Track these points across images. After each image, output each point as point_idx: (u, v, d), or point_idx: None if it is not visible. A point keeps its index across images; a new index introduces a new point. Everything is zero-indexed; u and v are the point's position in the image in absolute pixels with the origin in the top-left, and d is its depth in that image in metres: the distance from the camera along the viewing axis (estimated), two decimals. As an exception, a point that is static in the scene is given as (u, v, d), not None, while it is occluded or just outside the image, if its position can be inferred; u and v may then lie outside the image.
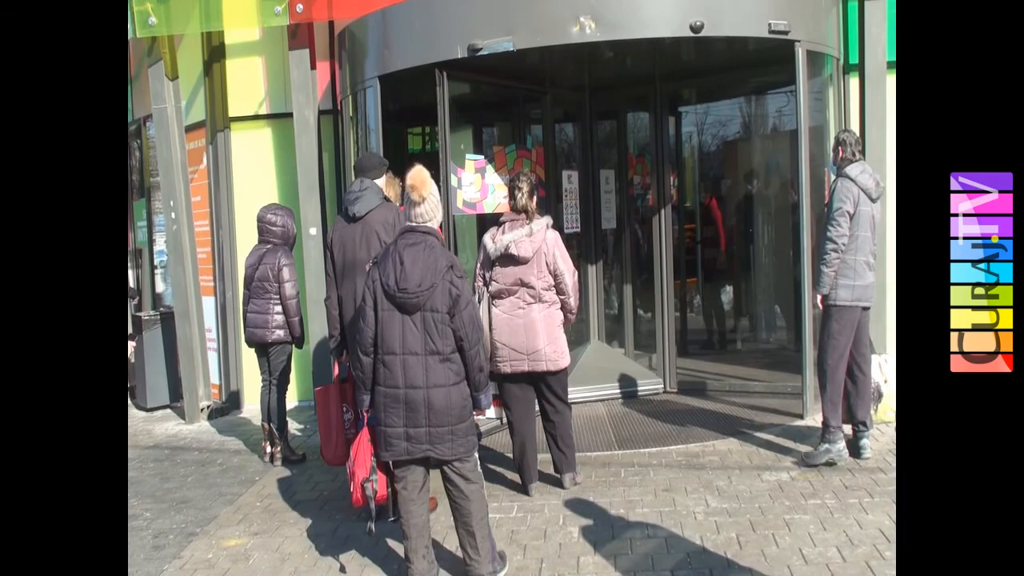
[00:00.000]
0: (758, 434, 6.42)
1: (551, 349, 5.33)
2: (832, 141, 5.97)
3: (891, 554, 4.24)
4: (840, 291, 5.65)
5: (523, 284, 5.31)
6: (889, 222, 6.60)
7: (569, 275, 5.36)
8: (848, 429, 5.82)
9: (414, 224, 4.14)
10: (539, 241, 5.28)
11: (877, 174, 5.82)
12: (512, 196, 5.39)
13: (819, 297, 5.78)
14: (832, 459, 5.64)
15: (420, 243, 4.07)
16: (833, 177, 5.86)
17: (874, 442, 5.83)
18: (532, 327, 5.31)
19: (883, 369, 6.39)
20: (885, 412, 6.38)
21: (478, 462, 4.26)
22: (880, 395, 6.34)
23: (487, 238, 5.42)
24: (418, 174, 4.19)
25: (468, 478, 4.16)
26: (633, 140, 8.97)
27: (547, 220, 5.39)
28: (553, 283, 5.35)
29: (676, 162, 9.38)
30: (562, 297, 5.40)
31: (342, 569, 4.62)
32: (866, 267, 5.69)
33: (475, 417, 4.23)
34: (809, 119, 6.58)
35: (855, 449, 5.76)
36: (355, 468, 4.22)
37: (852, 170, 5.65)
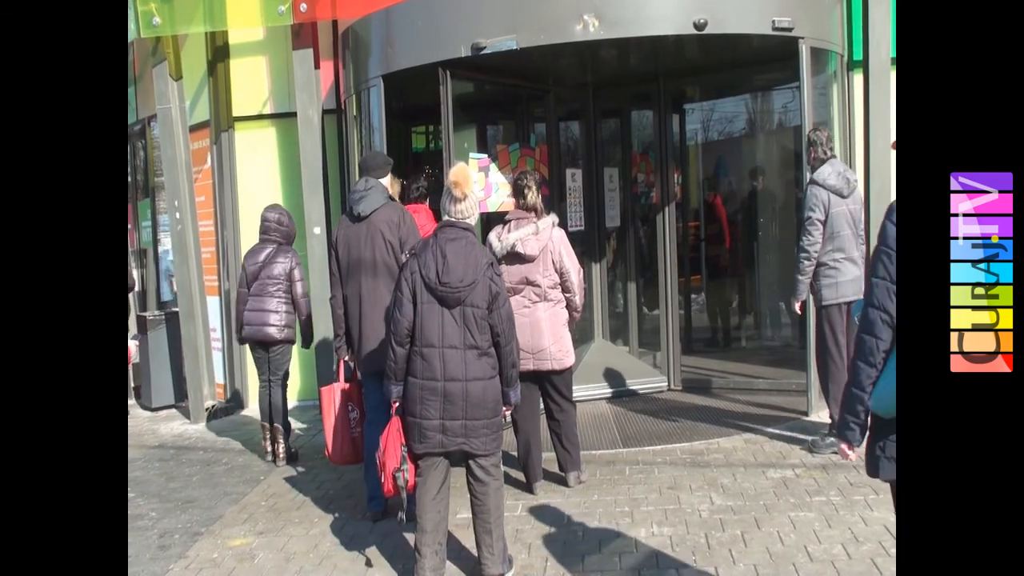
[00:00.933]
0: (763, 431, 6.41)
1: (556, 348, 5.33)
2: (804, 141, 6.04)
3: (896, 551, 4.24)
4: (824, 291, 5.82)
5: (529, 282, 5.31)
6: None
7: (575, 273, 5.37)
8: None
9: (454, 220, 4.17)
10: (545, 239, 5.28)
11: (849, 170, 5.95)
12: (523, 195, 5.37)
13: (797, 304, 5.98)
14: (837, 451, 5.73)
15: (461, 239, 4.12)
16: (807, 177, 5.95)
17: None
18: (537, 326, 5.31)
19: None
20: None
21: (501, 459, 4.30)
22: None
23: (492, 236, 5.41)
24: (461, 171, 4.24)
25: (492, 474, 4.21)
26: (637, 138, 8.96)
27: (553, 218, 5.39)
28: (559, 281, 5.35)
29: (680, 160, 9.37)
30: (567, 295, 5.40)
31: (368, 563, 4.64)
32: (848, 263, 5.84)
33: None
34: (813, 116, 6.57)
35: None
36: (385, 458, 4.23)
37: (820, 174, 5.77)
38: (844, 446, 2.89)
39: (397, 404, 4.23)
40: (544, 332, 5.31)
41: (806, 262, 5.76)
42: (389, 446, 4.23)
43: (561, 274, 5.32)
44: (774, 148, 9.51)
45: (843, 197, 5.75)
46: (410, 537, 4.54)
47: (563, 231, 5.42)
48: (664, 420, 6.95)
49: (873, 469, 2.75)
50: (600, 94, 8.39)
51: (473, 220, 4.24)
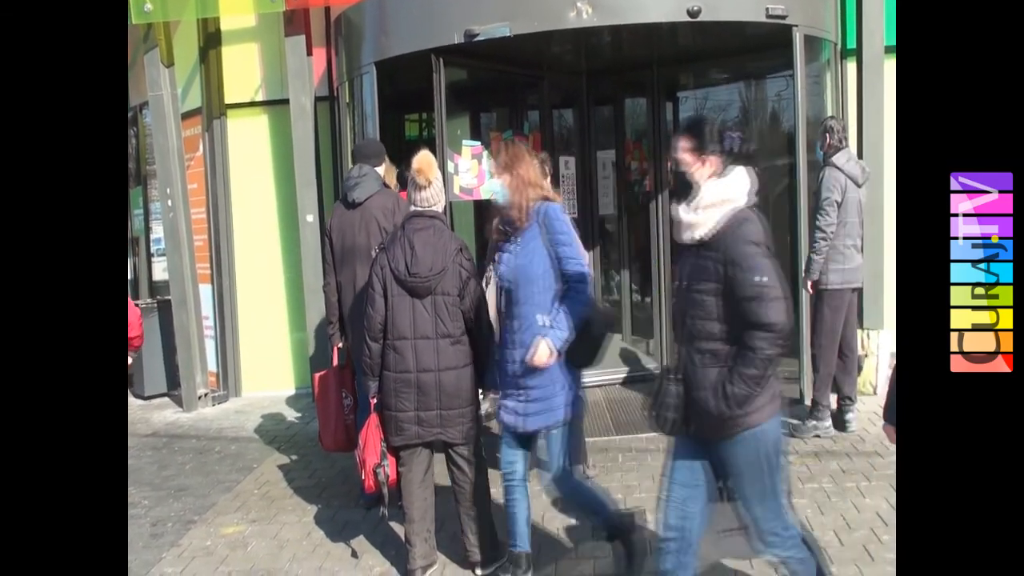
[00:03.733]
0: (755, 419, 6.41)
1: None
2: (819, 127, 6.06)
3: (888, 538, 4.27)
4: (831, 275, 5.89)
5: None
6: (889, 219, 6.66)
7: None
8: (833, 402, 6.09)
9: (421, 208, 4.15)
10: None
11: (862, 161, 6.06)
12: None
13: (809, 283, 6.02)
14: (819, 434, 5.94)
15: (429, 227, 4.10)
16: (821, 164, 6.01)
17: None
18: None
19: (865, 344, 6.69)
20: (864, 383, 6.69)
21: (482, 447, 4.29)
22: (860, 367, 6.58)
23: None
24: (424, 158, 4.22)
25: (472, 462, 4.21)
26: (631, 125, 8.94)
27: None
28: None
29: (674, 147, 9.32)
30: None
31: (354, 554, 4.65)
32: (854, 250, 5.95)
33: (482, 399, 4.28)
34: (807, 104, 6.57)
35: (840, 423, 6.06)
36: (365, 455, 4.23)
37: (839, 159, 5.83)
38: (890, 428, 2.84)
39: (375, 400, 4.23)
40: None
41: (823, 242, 5.82)
42: (368, 442, 4.23)
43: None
44: (767, 136, 9.49)
45: (858, 185, 5.85)
46: (401, 525, 4.54)
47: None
48: (657, 408, 6.95)
49: None
50: (594, 81, 8.35)
51: (439, 207, 4.21)
